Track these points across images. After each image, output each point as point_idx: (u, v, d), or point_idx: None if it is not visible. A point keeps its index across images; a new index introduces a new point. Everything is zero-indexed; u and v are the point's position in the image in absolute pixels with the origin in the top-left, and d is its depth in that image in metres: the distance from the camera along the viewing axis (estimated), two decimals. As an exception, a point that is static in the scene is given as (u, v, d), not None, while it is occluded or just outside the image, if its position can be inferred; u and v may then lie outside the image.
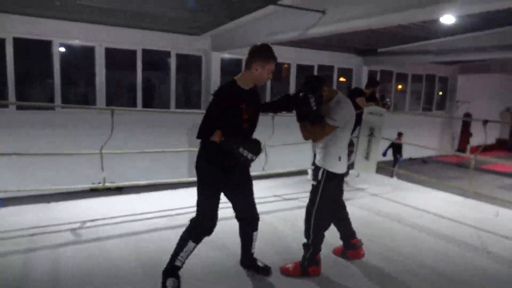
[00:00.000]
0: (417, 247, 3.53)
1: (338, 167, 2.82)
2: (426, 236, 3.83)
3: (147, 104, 9.26)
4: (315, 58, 11.01)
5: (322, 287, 2.82)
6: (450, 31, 8.62)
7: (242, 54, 9.89)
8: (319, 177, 2.81)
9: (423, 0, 4.48)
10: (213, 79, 9.54)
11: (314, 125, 2.73)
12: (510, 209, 4.76)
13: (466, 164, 12.66)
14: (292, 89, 10.89)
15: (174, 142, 9.30)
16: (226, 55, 9.81)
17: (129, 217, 3.97)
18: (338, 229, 3.19)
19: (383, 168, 6.65)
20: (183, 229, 2.67)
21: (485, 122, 4.52)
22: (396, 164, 10.02)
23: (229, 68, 10.14)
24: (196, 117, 9.67)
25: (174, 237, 2.66)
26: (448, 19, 6.75)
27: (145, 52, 8.93)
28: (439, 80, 14.57)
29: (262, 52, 2.51)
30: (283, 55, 10.47)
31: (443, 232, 3.91)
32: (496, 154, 14.46)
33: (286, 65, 10.91)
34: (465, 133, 15.17)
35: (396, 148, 10.16)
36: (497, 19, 7.53)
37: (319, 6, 5.74)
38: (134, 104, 9.04)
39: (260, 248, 3.04)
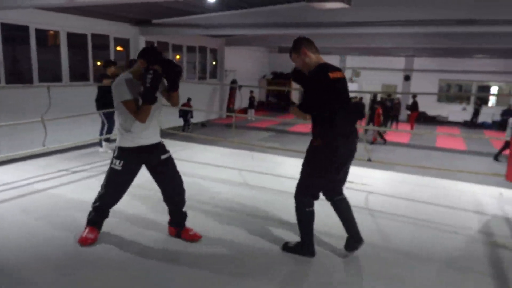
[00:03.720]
0: (199, 190, 4.36)
1: None
2: (206, 182, 4.72)
3: None
4: (88, 26, 10.40)
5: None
6: (216, 7, 9.83)
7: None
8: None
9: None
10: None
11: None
12: (266, 153, 6.33)
13: (237, 124, 15.04)
14: (64, 58, 10.01)
15: None
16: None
17: None
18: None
19: (172, 134, 7.48)
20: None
21: (240, 87, 5.71)
22: (188, 127, 12.16)
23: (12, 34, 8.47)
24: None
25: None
26: (209, -3, 7.76)
27: None
28: (210, 51, 16.28)
29: None
30: (50, 21, 9.45)
31: (217, 176, 4.93)
32: (259, 113, 17.62)
33: (52, 32, 9.85)
34: (232, 97, 17.65)
35: (186, 112, 12.24)
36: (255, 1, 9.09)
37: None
38: None
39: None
